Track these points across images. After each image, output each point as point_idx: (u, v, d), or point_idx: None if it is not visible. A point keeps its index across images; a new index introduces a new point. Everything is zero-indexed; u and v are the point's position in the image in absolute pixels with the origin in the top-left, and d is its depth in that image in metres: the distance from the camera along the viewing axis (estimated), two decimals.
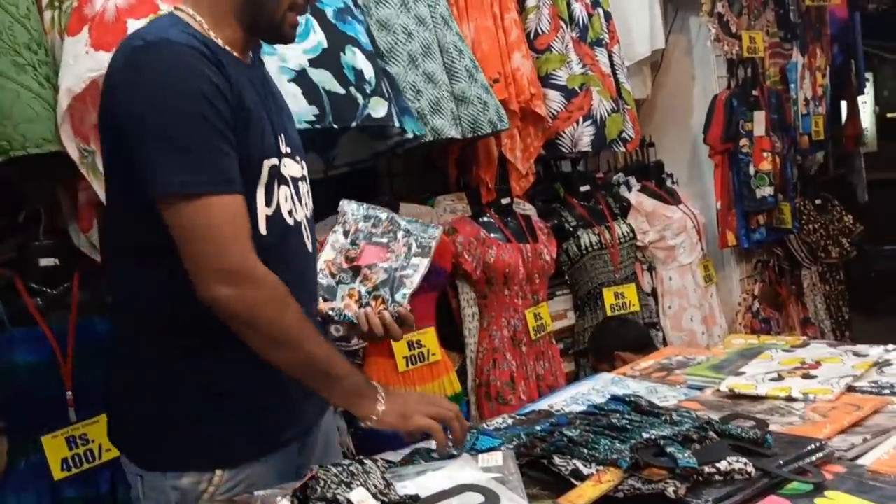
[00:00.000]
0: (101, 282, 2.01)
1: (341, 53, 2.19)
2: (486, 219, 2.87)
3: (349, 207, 1.63)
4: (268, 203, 1.36)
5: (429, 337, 2.59)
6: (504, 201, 2.93)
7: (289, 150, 1.44)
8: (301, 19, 2.15)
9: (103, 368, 1.83)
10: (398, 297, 1.51)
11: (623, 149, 3.29)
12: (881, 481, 1.15)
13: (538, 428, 1.36)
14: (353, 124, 2.21)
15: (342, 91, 2.16)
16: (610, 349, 2.85)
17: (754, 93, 3.64)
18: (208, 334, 1.32)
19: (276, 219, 1.37)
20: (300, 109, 2.09)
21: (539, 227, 3.03)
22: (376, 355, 2.52)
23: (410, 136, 2.38)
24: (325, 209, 2.61)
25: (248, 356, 1.30)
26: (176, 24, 1.33)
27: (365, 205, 1.66)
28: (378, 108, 2.24)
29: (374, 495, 0.98)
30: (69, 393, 1.88)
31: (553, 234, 3.11)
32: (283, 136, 1.43)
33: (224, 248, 1.24)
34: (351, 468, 1.07)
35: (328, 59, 2.16)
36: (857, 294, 4.36)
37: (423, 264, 1.53)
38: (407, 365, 2.53)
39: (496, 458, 1.16)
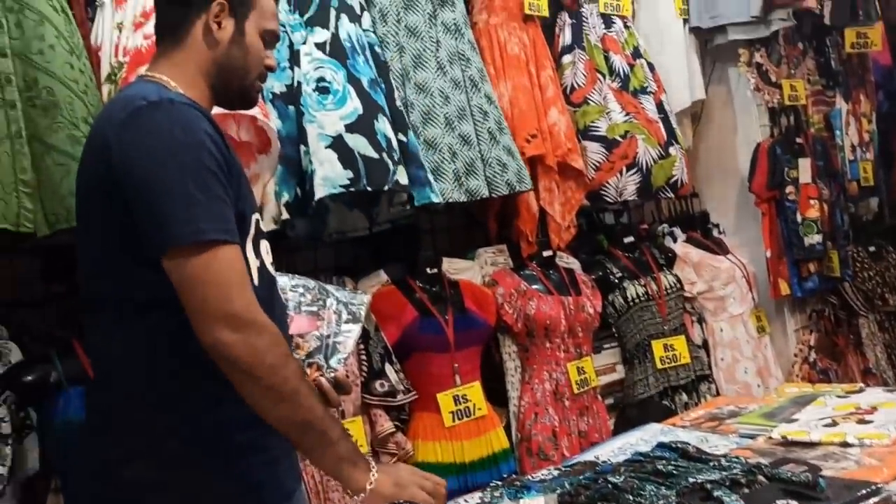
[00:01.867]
0: None
1: (374, 120, 2.27)
2: (527, 271, 2.88)
3: (278, 280, 1.60)
4: (256, 256, 1.40)
5: (475, 391, 2.58)
6: (546, 254, 2.94)
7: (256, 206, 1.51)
8: (338, 86, 2.26)
9: None
10: (333, 362, 1.52)
11: (671, 195, 3.27)
12: None
13: (582, 477, 1.35)
14: (386, 188, 2.28)
15: (376, 156, 2.24)
16: None
17: (798, 140, 3.61)
18: (216, 386, 1.30)
19: (262, 271, 1.41)
20: (335, 174, 2.17)
21: (582, 280, 3.02)
22: (422, 410, 2.52)
23: (416, 205, 2.45)
24: (368, 265, 2.67)
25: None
26: (158, 87, 1.38)
27: (292, 275, 1.68)
28: (402, 176, 2.32)
29: None
30: None
31: (598, 286, 3.09)
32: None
33: (230, 293, 1.25)
34: None
35: (363, 125, 2.24)
36: None
37: (354, 330, 1.56)
38: (454, 420, 2.51)
39: (539, 502, 1.15)
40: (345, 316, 1.58)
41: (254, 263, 1.38)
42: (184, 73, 1.43)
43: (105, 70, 2.10)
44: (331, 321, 1.56)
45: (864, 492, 1.18)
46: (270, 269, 1.44)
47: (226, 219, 1.28)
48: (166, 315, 1.31)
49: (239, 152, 2.06)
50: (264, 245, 1.44)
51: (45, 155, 1.88)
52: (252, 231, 1.39)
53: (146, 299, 1.34)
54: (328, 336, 1.54)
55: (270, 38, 1.52)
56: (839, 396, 1.79)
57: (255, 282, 1.36)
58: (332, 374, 1.50)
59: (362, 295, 1.63)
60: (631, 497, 1.18)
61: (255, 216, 1.42)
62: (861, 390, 1.85)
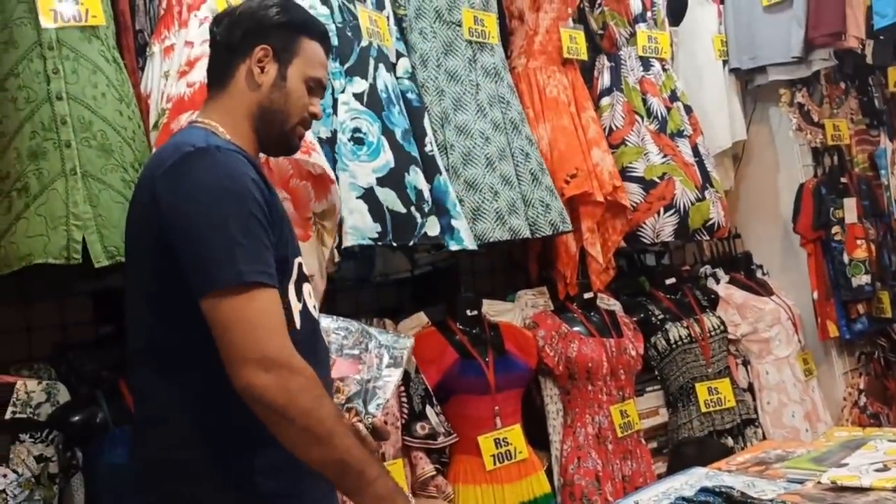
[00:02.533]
0: None
1: (406, 174, 2.30)
2: (568, 314, 2.87)
3: (322, 321, 1.61)
4: (298, 299, 1.42)
5: (515, 434, 2.56)
6: (587, 296, 2.93)
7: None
8: (373, 138, 2.29)
9: None
10: (371, 408, 1.51)
11: (707, 237, 3.25)
12: None
13: None
14: (411, 243, 2.29)
15: (404, 210, 2.26)
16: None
17: (843, 180, 3.58)
18: (255, 432, 1.31)
19: (305, 314, 1.42)
20: (365, 225, 2.19)
21: (624, 323, 3.00)
22: (462, 453, 2.50)
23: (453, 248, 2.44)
24: (409, 307, 2.69)
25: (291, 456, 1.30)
26: (206, 133, 1.42)
27: (336, 317, 1.68)
28: (433, 228, 2.33)
29: None
30: None
31: (640, 328, 3.07)
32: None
33: (267, 335, 1.26)
34: None
35: (394, 178, 2.26)
36: None
37: (395, 375, 1.53)
38: (494, 463, 2.49)
39: None
40: (386, 360, 1.58)
41: (296, 306, 1.39)
42: (230, 117, 1.48)
43: (153, 117, 2.15)
44: (372, 365, 1.56)
45: None
46: (313, 311, 1.45)
47: (266, 262, 1.31)
48: (204, 365, 1.33)
49: (315, 186, 2.12)
50: (307, 288, 1.45)
51: (103, 191, 1.92)
52: (295, 274, 1.41)
53: (186, 348, 1.36)
54: (368, 380, 1.54)
55: (315, 86, 1.55)
56: (890, 441, 1.74)
57: (298, 325, 1.38)
58: (371, 420, 1.50)
59: (405, 339, 1.61)
60: None
61: (298, 259, 1.44)
62: None
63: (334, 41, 2.33)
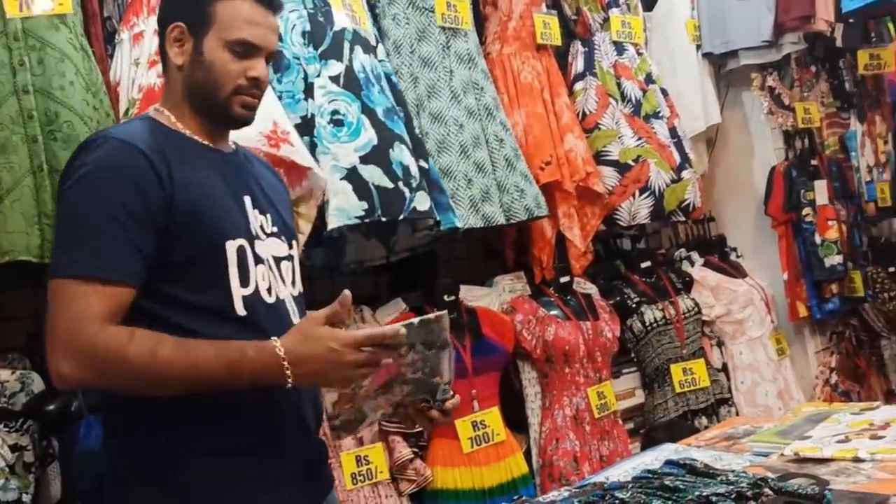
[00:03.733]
0: None
1: (390, 150, 2.31)
2: (545, 298, 2.90)
3: None
4: (244, 283, 1.40)
5: (493, 417, 2.59)
6: (563, 280, 2.96)
7: (275, 229, 1.50)
8: (352, 118, 2.30)
9: None
10: (440, 395, 1.46)
11: (683, 219, 3.28)
12: None
13: (591, 495, 1.36)
14: (401, 217, 2.30)
15: (391, 185, 2.27)
16: None
17: (813, 162, 3.64)
18: (201, 419, 1.35)
19: (254, 299, 1.41)
20: (350, 205, 2.20)
21: (600, 306, 3.03)
22: (440, 437, 2.54)
23: (443, 229, 2.48)
24: (386, 294, 2.71)
25: (240, 442, 1.35)
26: (144, 125, 1.44)
27: None
28: (422, 202, 2.35)
29: None
30: None
31: (616, 311, 3.11)
32: (268, 216, 1.49)
33: (73, 329, 1.27)
34: None
35: (378, 154, 2.28)
36: None
37: (444, 355, 1.43)
38: (472, 446, 2.53)
39: None
40: (425, 351, 1.43)
41: (239, 292, 1.38)
42: (172, 101, 1.49)
43: (123, 105, 2.17)
44: (416, 363, 1.42)
45: (872, 503, 1.18)
46: (266, 295, 1.42)
47: (108, 255, 1.30)
48: None
49: (289, 173, 2.11)
50: (260, 270, 1.43)
51: None
52: (232, 257, 1.39)
53: None
54: (417, 378, 1.43)
55: (244, 48, 1.45)
56: (853, 414, 1.78)
57: (241, 311, 1.38)
58: (446, 406, 1.47)
59: (437, 318, 1.42)
60: None
61: (236, 242, 1.40)
62: (875, 407, 1.85)
63: (306, 26, 2.34)
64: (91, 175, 1.34)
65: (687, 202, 3.18)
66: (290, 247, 1.54)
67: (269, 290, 1.43)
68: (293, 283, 1.52)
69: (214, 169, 1.45)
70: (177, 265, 1.36)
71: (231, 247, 1.39)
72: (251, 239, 1.43)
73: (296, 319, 1.47)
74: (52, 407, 1.99)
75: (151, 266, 1.34)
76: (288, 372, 1.30)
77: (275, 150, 2.02)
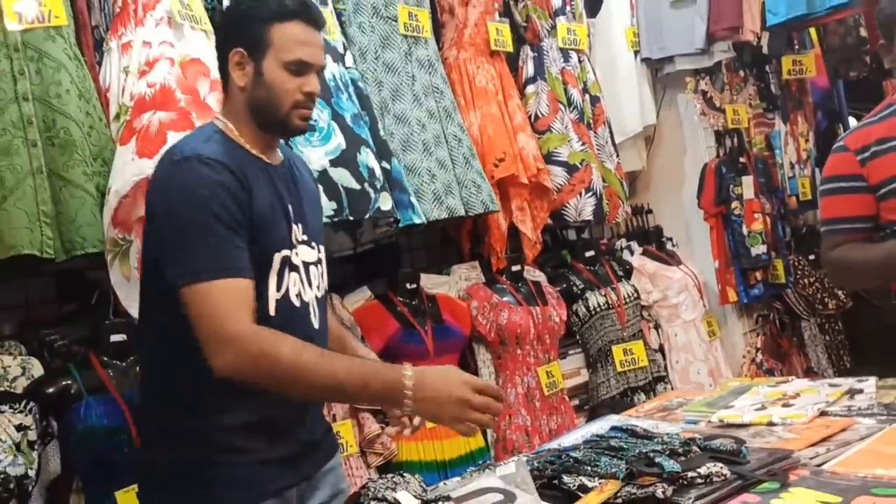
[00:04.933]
0: None
1: (357, 153, 2.48)
2: (498, 285, 3.13)
3: None
4: (278, 288, 1.58)
5: None
6: (515, 268, 3.19)
7: (305, 237, 1.65)
8: (323, 124, 2.48)
9: None
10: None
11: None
12: (838, 479, 1.36)
13: (549, 455, 1.60)
14: (367, 216, 2.49)
15: (358, 187, 2.45)
16: None
17: (741, 160, 3.91)
18: (219, 400, 1.54)
19: (283, 302, 1.57)
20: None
21: (549, 292, 3.28)
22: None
23: (402, 225, 2.67)
24: (353, 282, 2.90)
25: (252, 422, 1.53)
26: (211, 136, 1.60)
27: None
28: (385, 202, 2.53)
29: (415, 496, 1.22)
30: None
31: (563, 297, 3.35)
32: (300, 225, 1.64)
33: (223, 319, 1.41)
34: (394, 479, 1.31)
35: (347, 158, 2.44)
36: (870, 345, 4.43)
37: None
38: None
39: (510, 468, 1.40)
40: None
41: (273, 296, 1.56)
42: (234, 117, 1.64)
43: (113, 110, 2.28)
44: None
45: (779, 456, 1.44)
46: (294, 299, 1.60)
47: (224, 257, 1.46)
48: (167, 339, 1.56)
49: None
50: (293, 277, 1.60)
51: (63, 189, 2.08)
52: (276, 266, 1.57)
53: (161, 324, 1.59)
54: None
55: (298, 66, 1.59)
56: (770, 387, 2.05)
57: (272, 311, 1.55)
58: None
59: None
60: (589, 468, 1.42)
61: (282, 253, 1.58)
62: (790, 381, 2.13)
63: None
64: (189, 186, 1.49)
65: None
66: (318, 251, 1.70)
67: (297, 295, 1.61)
68: (318, 286, 1.68)
69: (271, 183, 1.61)
70: None
71: (277, 258, 1.57)
72: (291, 248, 1.61)
73: (315, 320, 1.65)
74: (52, 390, 2.11)
75: None
76: (409, 393, 1.41)
77: None
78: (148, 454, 1.64)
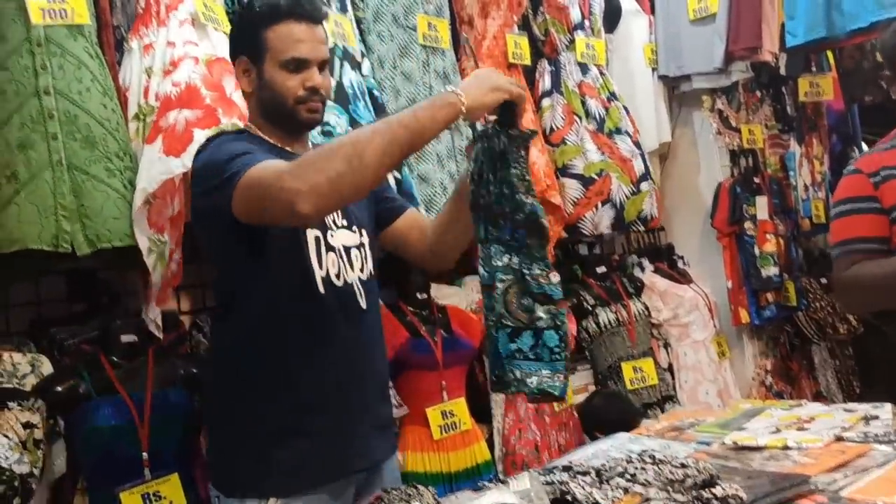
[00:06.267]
0: (171, 356, 2.28)
1: None
2: None
3: None
4: (320, 267, 1.65)
5: (460, 407, 2.79)
6: None
7: (345, 221, 1.73)
8: (341, 130, 2.48)
9: (174, 433, 2.10)
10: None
11: (642, 228, 3.54)
12: None
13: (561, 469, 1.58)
14: None
15: None
16: (589, 429, 3.08)
17: (756, 180, 3.91)
18: (286, 378, 1.60)
19: (327, 280, 1.65)
20: None
21: None
22: (412, 424, 2.71)
23: None
24: None
25: (320, 398, 1.57)
26: (238, 136, 1.68)
27: None
28: None
29: None
30: (145, 454, 2.09)
31: (573, 312, 3.34)
32: (339, 210, 1.72)
33: (270, 180, 1.42)
34: (408, 491, 1.30)
35: None
36: (880, 371, 4.40)
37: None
38: (441, 433, 2.71)
39: (524, 482, 1.38)
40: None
41: (318, 273, 1.64)
42: (254, 120, 1.74)
43: (132, 109, 2.30)
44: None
45: (795, 481, 1.42)
46: (335, 279, 1.67)
47: (248, 155, 1.51)
48: (230, 322, 1.66)
49: None
50: (331, 257, 1.67)
51: (86, 182, 2.08)
52: (312, 245, 1.64)
53: (225, 306, 1.69)
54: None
55: (296, 64, 1.65)
56: (783, 410, 2.04)
57: (321, 289, 1.63)
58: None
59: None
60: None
61: (314, 232, 1.65)
62: (803, 405, 2.11)
63: None
64: (222, 145, 1.60)
65: (644, 213, 3.43)
66: (361, 235, 1.75)
67: (337, 276, 1.67)
68: (362, 268, 1.74)
69: None
70: (264, 241, 1.58)
71: (310, 236, 1.64)
72: (324, 230, 1.67)
73: (363, 300, 1.72)
74: (61, 388, 2.11)
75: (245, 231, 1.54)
76: (453, 89, 1.45)
77: None
78: (212, 430, 1.73)
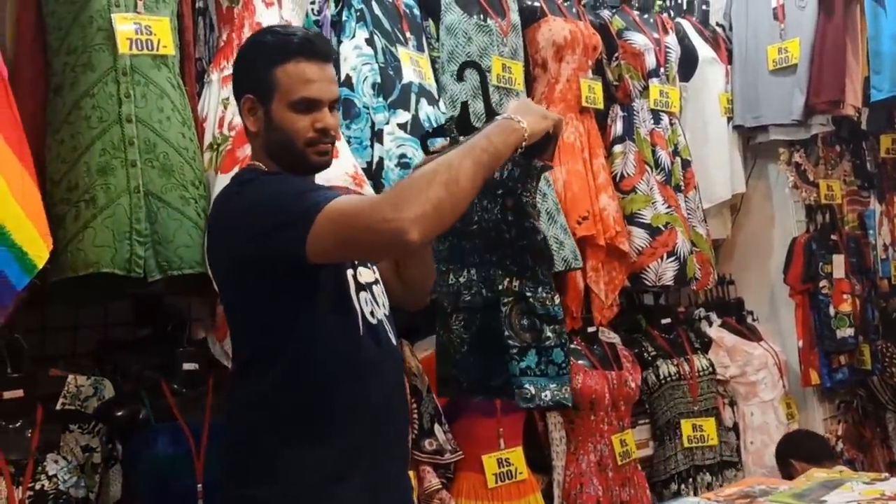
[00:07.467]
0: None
1: None
2: (573, 346, 3.04)
3: None
4: (358, 306, 1.62)
5: (517, 456, 2.73)
6: (590, 329, 3.11)
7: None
8: (416, 162, 2.47)
9: None
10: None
11: (695, 286, 3.46)
12: None
13: None
14: None
15: None
16: (786, 456, 3.12)
17: (833, 237, 3.79)
18: (331, 422, 1.55)
19: (364, 319, 1.63)
20: None
21: (624, 355, 3.18)
22: (467, 470, 2.66)
23: None
24: (424, 330, 2.84)
25: (364, 438, 1.55)
26: (266, 173, 1.65)
27: None
28: None
29: None
30: (199, 485, 2.08)
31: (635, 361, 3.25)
32: None
33: (368, 211, 1.41)
34: None
35: None
36: None
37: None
38: (496, 482, 2.65)
39: None
40: None
41: (358, 312, 1.61)
42: (259, 158, 1.68)
43: (208, 139, 2.32)
44: None
45: None
46: (371, 318, 1.65)
47: (317, 192, 1.51)
48: (272, 367, 1.57)
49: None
50: (364, 296, 1.65)
51: (161, 209, 2.10)
52: (352, 284, 1.62)
53: (258, 359, 1.60)
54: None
55: (306, 104, 1.60)
56: (865, 483, 1.92)
57: (362, 331, 1.60)
58: None
59: None
60: None
61: (349, 272, 1.64)
62: (886, 479, 1.99)
63: (377, 79, 2.53)
64: (260, 186, 1.58)
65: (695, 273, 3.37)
66: (374, 272, 1.74)
67: (371, 314, 1.65)
68: (383, 303, 1.72)
69: None
70: (317, 283, 1.56)
71: (349, 275, 1.62)
72: (354, 268, 1.65)
73: (392, 337, 1.70)
74: (121, 413, 2.12)
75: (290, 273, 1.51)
76: (515, 116, 1.51)
77: (358, 189, 2.21)
78: (246, 489, 1.59)
